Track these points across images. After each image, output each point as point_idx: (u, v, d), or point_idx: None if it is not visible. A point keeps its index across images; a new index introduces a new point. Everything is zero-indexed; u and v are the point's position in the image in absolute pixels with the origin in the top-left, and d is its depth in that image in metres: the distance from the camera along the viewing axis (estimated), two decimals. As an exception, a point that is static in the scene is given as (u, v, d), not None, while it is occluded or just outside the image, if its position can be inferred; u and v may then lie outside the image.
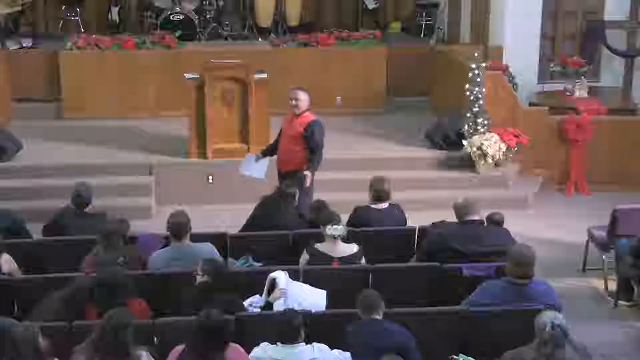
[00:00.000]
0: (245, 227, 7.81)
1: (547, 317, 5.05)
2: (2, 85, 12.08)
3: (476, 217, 6.84)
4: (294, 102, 8.61)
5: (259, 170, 8.77)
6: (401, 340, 5.55)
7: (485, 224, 7.17)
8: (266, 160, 8.90)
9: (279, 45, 12.90)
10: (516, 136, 10.62)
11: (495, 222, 7.34)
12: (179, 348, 5.23)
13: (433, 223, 7.57)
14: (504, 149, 10.45)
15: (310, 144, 8.49)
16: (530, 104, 11.78)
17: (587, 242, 8.60)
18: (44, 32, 14.79)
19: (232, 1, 14.71)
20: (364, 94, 12.50)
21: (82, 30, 14.20)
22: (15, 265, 6.78)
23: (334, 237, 6.78)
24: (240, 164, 9.03)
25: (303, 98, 8.59)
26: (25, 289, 6.54)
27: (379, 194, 7.65)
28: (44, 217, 7.83)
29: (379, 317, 5.65)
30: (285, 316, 5.45)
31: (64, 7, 14.63)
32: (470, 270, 6.57)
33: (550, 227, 9.64)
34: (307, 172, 8.42)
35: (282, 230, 7.49)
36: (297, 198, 7.86)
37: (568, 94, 11.90)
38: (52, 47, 13.04)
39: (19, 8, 14.20)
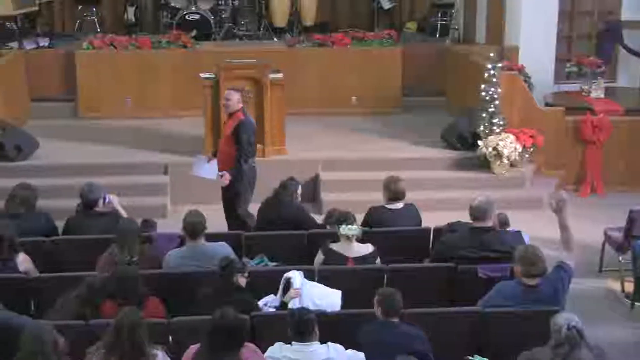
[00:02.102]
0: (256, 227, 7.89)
1: (563, 318, 5.03)
2: (20, 85, 12.16)
3: (488, 224, 6.79)
4: (224, 101, 8.72)
5: (210, 172, 8.75)
6: (418, 345, 5.53)
7: (498, 229, 7.13)
8: (216, 161, 8.90)
9: (294, 45, 12.91)
10: (532, 137, 10.58)
11: (501, 222, 7.30)
12: (194, 347, 5.24)
13: (448, 223, 7.55)
14: (520, 150, 10.41)
15: (237, 144, 8.50)
16: (546, 105, 11.73)
17: (604, 243, 8.56)
18: (60, 32, 14.89)
19: (247, 1, 14.75)
20: (379, 94, 12.49)
21: (99, 30, 14.30)
22: (32, 264, 6.81)
23: (349, 237, 6.78)
24: (192, 165, 8.99)
25: (232, 98, 8.63)
26: (41, 287, 6.58)
27: (394, 194, 7.64)
28: (60, 217, 7.85)
29: (394, 318, 5.64)
30: (296, 314, 5.45)
31: (80, 7, 14.72)
32: (485, 271, 6.55)
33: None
34: (226, 174, 8.45)
35: (282, 222, 7.56)
36: (298, 191, 7.91)
37: (584, 94, 11.85)
38: (68, 46, 13.12)
39: (36, 8, 14.28)
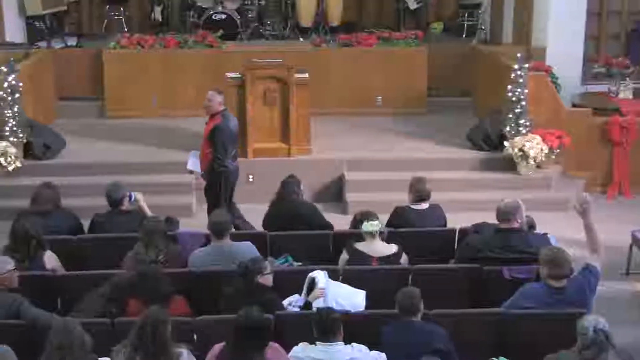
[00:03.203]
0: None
1: (590, 320, 4.99)
2: (48, 84, 12.26)
3: (514, 225, 6.75)
4: (205, 102, 8.76)
5: (197, 166, 8.86)
6: (440, 344, 5.52)
7: (524, 230, 7.09)
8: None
9: (320, 45, 12.90)
10: (559, 137, 10.52)
11: (530, 225, 7.25)
12: (219, 346, 5.26)
13: (473, 224, 7.52)
14: (546, 151, 10.35)
15: (213, 146, 8.59)
16: (574, 106, 11.65)
17: (631, 245, 8.49)
18: (88, 31, 14.99)
19: (273, 1, 14.77)
20: (404, 94, 12.46)
21: (126, 29, 14.37)
22: (58, 262, 6.87)
23: (372, 234, 6.76)
24: (188, 158, 9.07)
25: (213, 99, 8.69)
26: (67, 285, 6.63)
27: (420, 195, 7.62)
28: (86, 215, 7.91)
29: (416, 318, 5.62)
30: (321, 314, 5.44)
31: (108, 6, 14.82)
32: (510, 273, 6.51)
33: (593, 230, 9.50)
34: (199, 178, 8.68)
35: (294, 220, 7.60)
36: (300, 188, 7.94)
37: (612, 95, 11.76)
38: (96, 46, 13.20)
39: (65, 7, 14.39)
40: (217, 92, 8.76)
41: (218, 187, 8.66)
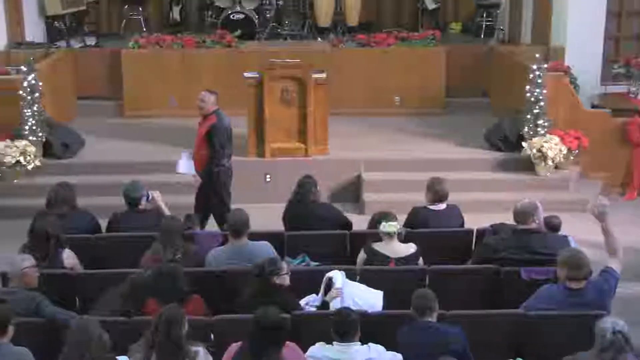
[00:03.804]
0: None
1: (609, 322, 4.96)
2: (67, 83, 12.32)
3: (532, 226, 6.72)
4: (199, 103, 8.78)
5: (189, 168, 8.88)
6: (456, 344, 5.51)
7: (543, 231, 7.06)
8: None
9: (337, 45, 12.90)
10: (577, 138, 10.48)
11: (552, 226, 7.21)
12: (236, 345, 5.27)
13: (491, 225, 7.49)
14: (565, 152, 10.31)
15: (209, 147, 8.63)
16: (593, 106, 11.61)
17: (650, 246, 8.44)
18: (107, 31, 15.06)
19: (292, 1, 14.77)
20: (422, 94, 12.44)
21: (144, 29, 14.42)
22: (77, 260, 6.90)
23: (390, 235, 6.75)
24: (177, 162, 9.06)
25: (207, 100, 8.72)
26: (86, 283, 6.67)
27: (438, 195, 7.61)
28: (105, 214, 7.94)
29: (432, 319, 5.61)
30: (339, 314, 5.45)
31: (126, 6, 14.87)
32: (528, 274, 6.49)
33: (611, 231, 9.44)
34: (197, 177, 8.68)
35: (312, 221, 7.62)
36: (316, 188, 7.93)
37: (632, 95, 11.70)
38: (114, 46, 13.26)
39: (84, 7, 14.47)
40: (209, 93, 8.82)
41: (213, 187, 8.69)
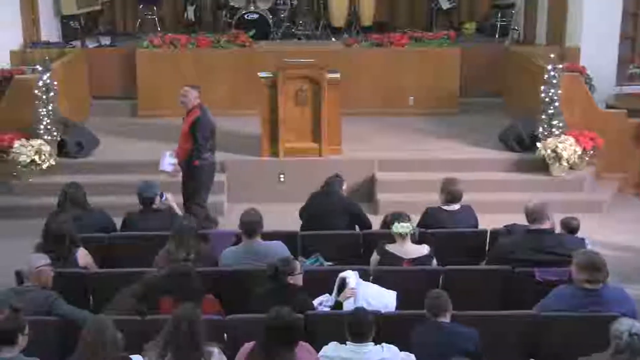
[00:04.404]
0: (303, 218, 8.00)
1: (624, 324, 4.92)
2: (81, 83, 12.37)
3: (545, 225, 6.70)
4: (181, 98, 8.86)
5: (169, 165, 8.93)
6: (469, 345, 5.49)
7: (558, 231, 7.03)
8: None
9: (352, 45, 12.90)
10: (592, 139, 10.43)
11: (571, 228, 7.18)
12: (249, 345, 5.27)
13: (505, 226, 7.48)
14: (579, 152, 10.26)
15: (193, 140, 8.72)
16: (608, 107, 11.54)
17: (665, 248, 8.40)
18: (121, 31, 15.11)
19: (306, 1, 14.77)
20: (436, 94, 12.42)
21: (159, 29, 14.45)
22: (91, 259, 6.93)
23: (402, 236, 6.74)
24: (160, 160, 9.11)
25: (189, 95, 8.81)
26: (100, 282, 6.68)
27: (451, 196, 7.60)
28: (119, 213, 7.97)
29: (445, 319, 5.60)
30: (356, 315, 5.44)
31: (141, 6, 14.91)
32: (542, 275, 6.46)
33: (626, 232, 9.42)
34: (177, 167, 8.77)
35: (334, 214, 7.68)
36: (343, 187, 8.01)
37: (647, 96, 11.64)
38: (129, 45, 13.29)
39: (99, 7, 14.52)
40: (191, 87, 8.91)
41: (196, 180, 8.77)
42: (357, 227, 7.91)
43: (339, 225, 7.73)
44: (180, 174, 8.87)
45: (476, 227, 7.70)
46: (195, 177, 8.80)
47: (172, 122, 12.04)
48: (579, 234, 7.19)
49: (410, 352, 5.50)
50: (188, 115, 8.86)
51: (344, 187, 8.10)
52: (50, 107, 10.41)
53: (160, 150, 9.13)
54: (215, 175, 10.41)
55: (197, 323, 5.14)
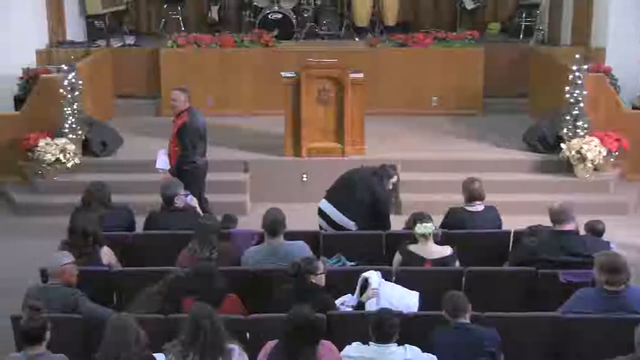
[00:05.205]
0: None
1: (650, 328, 4.89)
2: (106, 82, 12.43)
3: (570, 226, 6.65)
4: (171, 102, 8.82)
5: (165, 164, 8.91)
6: (492, 347, 5.48)
7: (582, 233, 6.98)
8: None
9: (375, 45, 12.88)
10: (617, 140, 10.35)
11: (597, 231, 7.12)
12: (272, 343, 5.28)
13: (529, 227, 7.42)
14: (604, 153, 10.18)
15: (182, 144, 8.67)
16: (634, 108, 11.46)
17: (690, 250, 8.32)
18: (146, 30, 15.19)
19: (329, 1, 14.77)
20: (460, 94, 12.38)
21: (183, 28, 14.50)
22: (115, 257, 6.96)
23: (425, 236, 6.72)
24: (155, 160, 9.10)
25: (179, 99, 8.74)
26: (123, 280, 6.72)
27: (471, 194, 7.57)
28: (142, 212, 8.01)
29: (465, 320, 5.58)
30: (380, 316, 5.43)
31: (165, 6, 14.97)
32: (567, 277, 6.42)
33: (651, 234, 9.35)
34: (167, 172, 8.70)
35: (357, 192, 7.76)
36: (389, 180, 7.97)
37: (673, 97, 11.53)
38: (153, 45, 13.35)
39: (124, 7, 14.60)
40: (181, 91, 8.84)
41: (186, 183, 8.75)
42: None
43: (359, 199, 7.76)
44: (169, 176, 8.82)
45: (500, 228, 7.66)
46: (185, 181, 8.76)
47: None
48: (604, 237, 7.14)
49: (433, 353, 5.48)
50: (177, 118, 8.81)
51: (392, 180, 8.05)
52: (75, 107, 10.48)
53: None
54: (239, 174, 10.50)
55: (216, 320, 5.15)
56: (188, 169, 8.70)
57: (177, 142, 8.73)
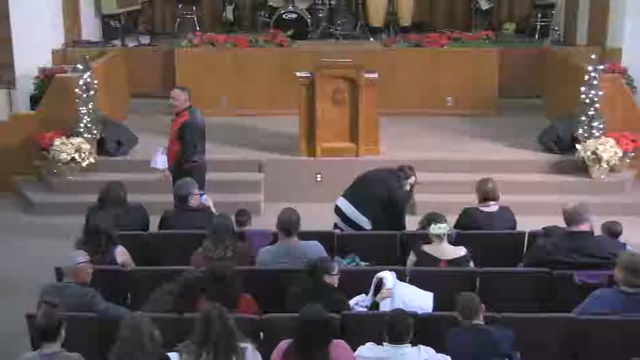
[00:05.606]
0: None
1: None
2: (121, 82, 12.48)
3: (584, 227, 6.62)
4: (171, 101, 8.78)
5: (161, 163, 8.93)
6: (507, 348, 5.46)
7: (597, 234, 6.94)
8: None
9: (390, 45, 12.87)
10: (633, 141, 10.30)
11: (614, 233, 7.09)
12: (285, 342, 5.28)
13: (544, 228, 7.40)
14: (620, 154, 10.14)
15: (182, 143, 8.65)
16: (649, 108, 11.39)
17: None
18: (161, 30, 15.24)
19: (344, 1, 14.78)
20: (475, 95, 12.35)
21: (198, 28, 14.54)
22: (129, 257, 6.98)
23: (439, 237, 6.71)
24: (151, 159, 9.12)
25: (179, 98, 8.71)
26: (138, 280, 6.73)
27: (484, 194, 7.56)
28: (156, 211, 8.02)
29: (479, 321, 5.57)
30: (395, 316, 5.43)
31: (180, 5, 15.01)
32: (582, 278, 6.39)
33: (668, 236, 9.28)
34: (167, 171, 8.74)
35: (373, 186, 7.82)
36: (407, 180, 8.00)
37: (690, 97, 11.46)
38: (168, 44, 13.39)
39: (139, 7, 14.65)
40: (180, 90, 8.84)
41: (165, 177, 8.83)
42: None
43: (375, 195, 7.79)
44: (171, 177, 8.82)
45: (514, 228, 7.64)
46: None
47: (211, 120, 12.11)
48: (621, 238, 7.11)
49: (447, 354, 5.47)
50: (177, 117, 8.80)
51: (410, 180, 8.05)
52: (90, 106, 10.52)
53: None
54: (253, 174, 10.51)
55: (228, 320, 5.15)
56: (187, 168, 8.71)
57: (177, 141, 8.73)
